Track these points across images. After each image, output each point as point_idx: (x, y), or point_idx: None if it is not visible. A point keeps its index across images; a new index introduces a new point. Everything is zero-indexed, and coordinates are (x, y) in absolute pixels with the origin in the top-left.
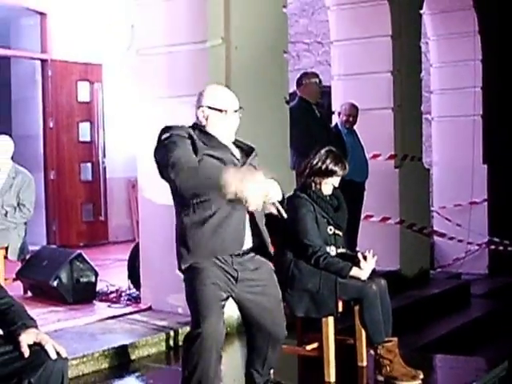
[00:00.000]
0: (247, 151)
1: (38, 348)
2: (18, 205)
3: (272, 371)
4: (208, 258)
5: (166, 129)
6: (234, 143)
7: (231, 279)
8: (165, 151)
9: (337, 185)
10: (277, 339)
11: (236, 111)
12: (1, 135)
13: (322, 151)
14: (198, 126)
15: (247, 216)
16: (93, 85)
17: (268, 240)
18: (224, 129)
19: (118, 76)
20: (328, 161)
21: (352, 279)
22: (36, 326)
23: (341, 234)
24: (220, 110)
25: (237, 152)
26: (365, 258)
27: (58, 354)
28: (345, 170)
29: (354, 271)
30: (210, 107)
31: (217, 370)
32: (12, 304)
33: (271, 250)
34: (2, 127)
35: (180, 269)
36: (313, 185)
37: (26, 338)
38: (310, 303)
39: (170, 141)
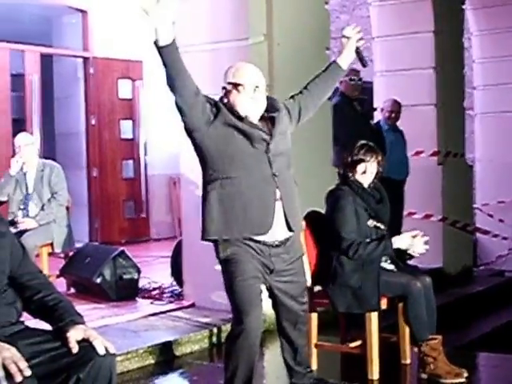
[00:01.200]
0: (272, 118)
1: (86, 344)
2: (52, 195)
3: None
4: (235, 236)
5: None
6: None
7: (267, 271)
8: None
9: (371, 173)
10: (297, 316)
11: (257, 87)
12: (24, 132)
13: (355, 145)
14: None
15: (279, 204)
16: (134, 82)
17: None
18: (246, 105)
19: (159, 73)
20: (355, 151)
21: (396, 278)
22: (84, 323)
23: (382, 227)
24: (239, 85)
25: (264, 125)
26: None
27: (106, 349)
28: (373, 157)
29: (395, 242)
30: (229, 82)
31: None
32: (60, 300)
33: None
34: (45, 125)
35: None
36: (349, 175)
37: (75, 334)
38: (352, 299)
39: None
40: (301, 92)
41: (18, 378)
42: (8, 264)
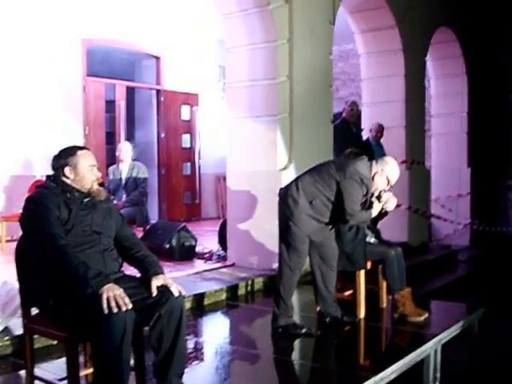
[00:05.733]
0: None
1: (164, 289)
2: (137, 186)
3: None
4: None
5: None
6: None
7: None
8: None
9: None
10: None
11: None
12: (125, 141)
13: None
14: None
15: None
16: (192, 108)
17: None
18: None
19: (210, 101)
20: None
21: (378, 247)
22: (163, 272)
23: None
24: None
25: None
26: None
27: (179, 292)
28: None
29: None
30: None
31: None
32: (147, 255)
33: None
34: (129, 136)
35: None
36: None
37: (156, 282)
38: (346, 261)
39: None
40: None
41: (124, 308)
42: (114, 231)
